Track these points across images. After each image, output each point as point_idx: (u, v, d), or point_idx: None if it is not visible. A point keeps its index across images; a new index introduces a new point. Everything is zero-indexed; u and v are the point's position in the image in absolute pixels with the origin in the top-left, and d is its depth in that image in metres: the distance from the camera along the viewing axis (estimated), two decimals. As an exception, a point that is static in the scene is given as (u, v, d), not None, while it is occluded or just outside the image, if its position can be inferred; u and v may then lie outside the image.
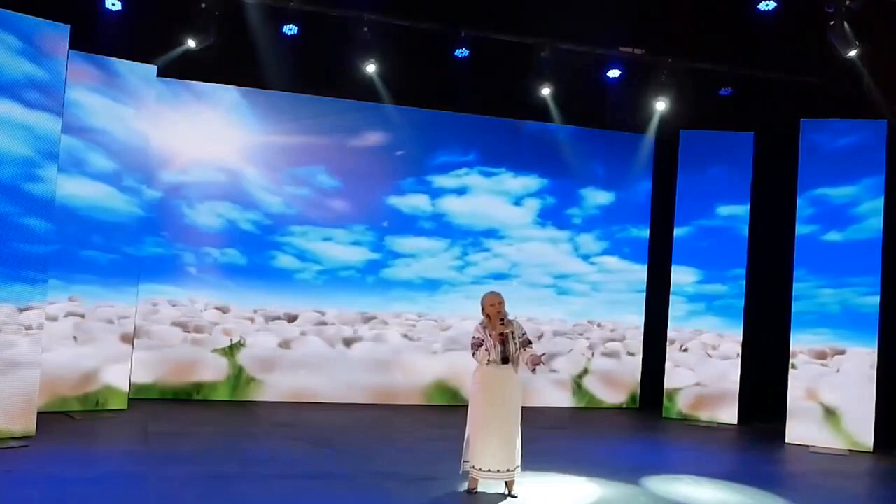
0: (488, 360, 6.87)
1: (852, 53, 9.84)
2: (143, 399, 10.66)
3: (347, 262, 11.75)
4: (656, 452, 10.07)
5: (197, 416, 10.16)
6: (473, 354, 6.94)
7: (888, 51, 10.34)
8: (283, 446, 8.85)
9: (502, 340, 6.88)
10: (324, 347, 11.60)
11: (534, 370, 6.99)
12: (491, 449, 6.86)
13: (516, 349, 6.96)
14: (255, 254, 11.41)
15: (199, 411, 10.44)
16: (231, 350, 11.20)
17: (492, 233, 12.37)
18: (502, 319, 6.89)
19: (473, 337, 6.95)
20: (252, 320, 11.36)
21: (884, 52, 10.27)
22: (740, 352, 11.76)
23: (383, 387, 11.78)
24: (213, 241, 11.26)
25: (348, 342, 11.68)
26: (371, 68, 11.02)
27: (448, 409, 11.40)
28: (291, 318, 11.51)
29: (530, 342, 7.07)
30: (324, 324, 11.64)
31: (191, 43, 10.22)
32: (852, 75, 10.57)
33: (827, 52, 10.19)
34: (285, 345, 11.47)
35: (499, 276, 12.23)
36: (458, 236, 12.24)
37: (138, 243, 10.28)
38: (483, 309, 7.03)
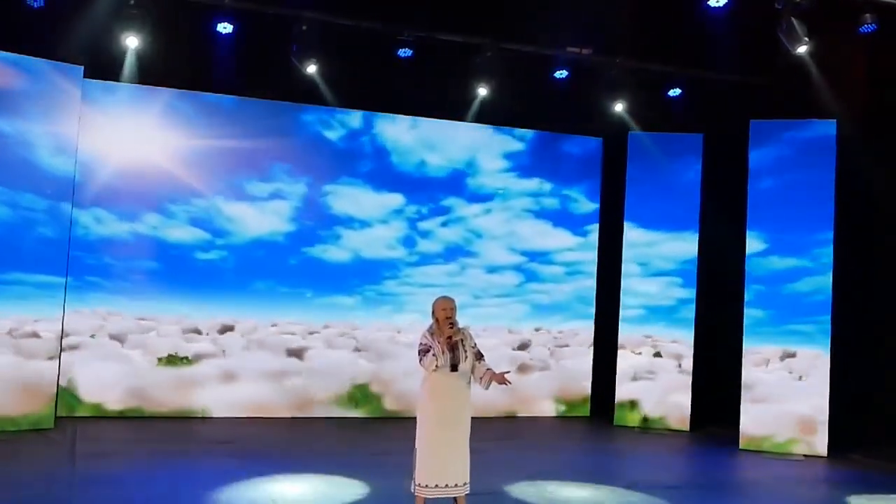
0: (436, 367, 6.48)
1: (801, 50, 9.70)
2: (73, 417, 10.07)
3: (282, 264, 11.30)
4: (610, 461, 9.85)
5: (130, 435, 9.62)
6: (420, 361, 6.53)
7: (837, 47, 10.24)
8: (220, 465, 8.37)
9: (451, 347, 6.50)
10: (268, 359, 11.08)
11: (488, 387, 6.63)
12: (441, 463, 6.46)
13: (466, 357, 6.59)
14: (188, 263, 10.86)
15: (133, 429, 9.90)
16: (169, 362, 10.63)
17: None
18: (452, 325, 6.51)
19: (420, 343, 6.56)
20: (192, 331, 10.82)
21: (833, 48, 10.17)
22: (692, 356, 11.55)
23: (328, 398, 11.32)
24: (144, 249, 10.69)
25: (295, 353, 11.19)
26: (312, 69, 10.62)
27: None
28: (226, 329, 10.98)
29: (482, 356, 6.70)
30: (266, 334, 11.14)
31: (130, 42, 9.75)
32: (802, 74, 10.45)
33: (777, 51, 10.07)
34: (225, 356, 10.94)
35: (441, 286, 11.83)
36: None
37: (63, 252, 9.67)
38: (433, 313, 6.65)
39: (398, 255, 11.79)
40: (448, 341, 6.46)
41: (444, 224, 12.01)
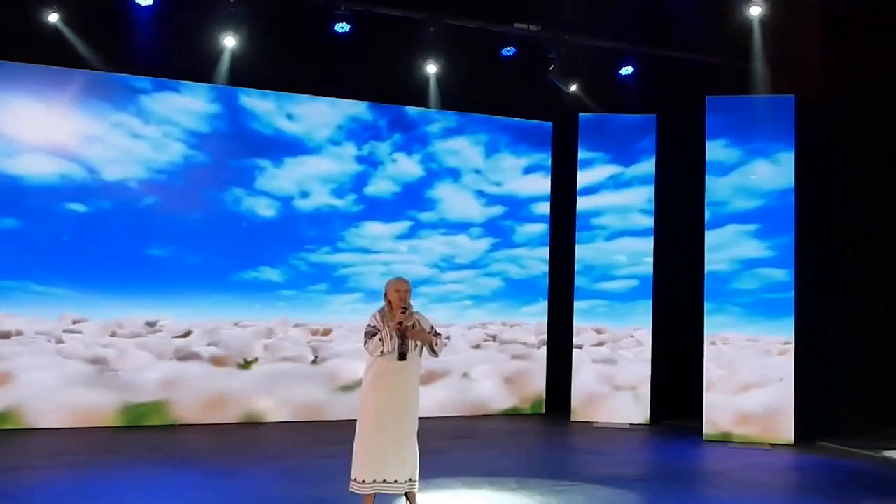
0: (381, 352, 5.83)
1: (754, 12, 9.30)
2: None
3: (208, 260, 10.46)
4: (568, 457, 9.32)
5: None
6: (365, 344, 5.89)
7: (794, 18, 9.88)
8: (146, 474, 7.56)
9: (401, 333, 5.85)
10: (186, 360, 10.20)
11: (435, 352, 6.02)
12: (384, 456, 5.83)
13: (415, 346, 5.95)
14: (108, 255, 9.91)
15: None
16: (93, 366, 9.76)
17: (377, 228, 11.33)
18: (404, 309, 5.87)
19: (368, 325, 5.91)
20: (110, 333, 9.91)
21: (790, 20, 9.81)
22: (650, 348, 11.05)
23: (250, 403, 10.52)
24: (61, 239, 9.72)
25: (216, 358, 10.37)
26: (230, 42, 9.84)
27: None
28: (150, 324, 10.08)
29: (440, 335, 6.08)
30: (182, 334, 10.23)
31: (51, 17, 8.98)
32: (758, 48, 10.09)
33: (734, 24, 9.69)
34: (149, 357, 10.03)
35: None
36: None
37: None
38: (385, 295, 6.01)
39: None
40: (398, 327, 5.83)
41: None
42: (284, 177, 10.69)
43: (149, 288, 10.04)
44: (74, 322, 9.73)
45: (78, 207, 9.76)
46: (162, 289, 10.11)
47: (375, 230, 11.15)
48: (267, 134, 10.62)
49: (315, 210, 10.86)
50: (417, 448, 6.03)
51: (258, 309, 10.52)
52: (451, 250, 11.58)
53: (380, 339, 5.81)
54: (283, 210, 10.68)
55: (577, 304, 11.26)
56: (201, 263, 10.28)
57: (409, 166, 11.32)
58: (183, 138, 10.22)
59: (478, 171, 11.70)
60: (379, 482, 5.80)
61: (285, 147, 10.71)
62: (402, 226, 11.31)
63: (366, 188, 11.09)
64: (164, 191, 10.13)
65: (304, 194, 10.80)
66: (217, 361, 10.28)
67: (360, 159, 11.07)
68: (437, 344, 6.04)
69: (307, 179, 10.81)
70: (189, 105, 10.27)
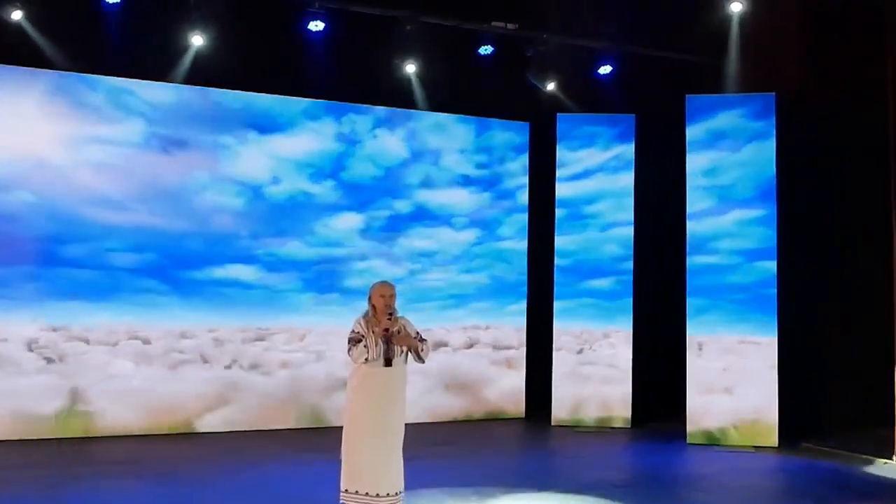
0: (366, 359, 5.61)
1: (735, 8, 9.21)
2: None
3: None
4: (554, 463, 9.15)
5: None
6: (349, 351, 5.68)
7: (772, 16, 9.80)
8: (121, 487, 7.27)
9: (387, 338, 5.63)
10: (161, 368, 9.91)
11: (421, 358, 5.80)
12: (375, 467, 5.60)
13: (401, 352, 5.74)
14: (77, 261, 9.60)
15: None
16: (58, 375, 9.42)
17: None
18: (390, 314, 5.65)
19: (352, 331, 5.69)
20: (80, 340, 9.56)
21: (768, 17, 9.73)
22: (631, 349, 10.91)
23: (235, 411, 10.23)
24: (27, 248, 9.38)
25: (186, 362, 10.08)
26: (197, 41, 9.56)
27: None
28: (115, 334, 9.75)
29: (425, 340, 5.87)
30: (149, 342, 9.91)
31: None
32: (736, 46, 10.02)
33: (712, 22, 9.59)
34: (118, 366, 9.70)
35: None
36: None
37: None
38: (369, 299, 5.79)
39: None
40: (384, 333, 5.62)
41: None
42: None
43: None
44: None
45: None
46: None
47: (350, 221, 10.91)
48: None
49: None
50: (402, 458, 5.82)
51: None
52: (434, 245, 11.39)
53: (364, 346, 5.60)
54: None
55: (556, 305, 11.09)
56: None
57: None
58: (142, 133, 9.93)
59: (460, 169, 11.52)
60: (372, 496, 5.56)
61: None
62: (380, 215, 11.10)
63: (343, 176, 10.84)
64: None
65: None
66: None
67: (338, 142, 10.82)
68: (422, 350, 5.84)
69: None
70: (154, 102, 9.97)
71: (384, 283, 5.84)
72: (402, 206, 11.20)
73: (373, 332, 5.62)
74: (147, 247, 9.88)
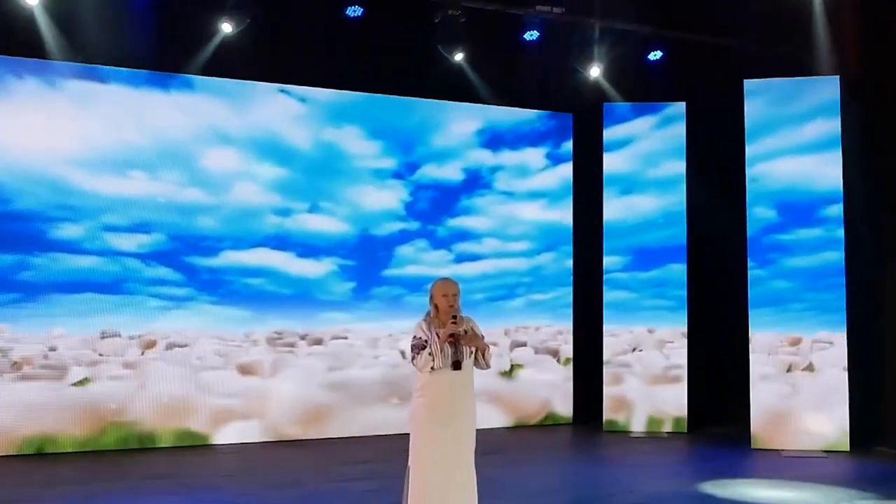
0: (432, 368, 5.11)
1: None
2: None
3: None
4: (621, 472, 8.52)
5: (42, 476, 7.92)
6: (413, 360, 5.17)
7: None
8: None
9: (453, 342, 5.12)
10: (193, 375, 9.40)
11: (486, 363, 5.30)
12: (442, 488, 5.09)
13: (470, 354, 5.22)
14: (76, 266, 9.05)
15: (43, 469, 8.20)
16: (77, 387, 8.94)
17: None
18: (455, 316, 5.14)
19: (415, 337, 5.18)
20: (94, 349, 9.03)
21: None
22: (686, 348, 10.35)
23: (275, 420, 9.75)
24: (30, 251, 8.86)
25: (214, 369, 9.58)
26: (227, 29, 9.12)
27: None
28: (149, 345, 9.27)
29: (488, 345, 5.35)
30: (175, 346, 9.38)
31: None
32: (795, 33, 9.45)
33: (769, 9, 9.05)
34: (142, 376, 9.18)
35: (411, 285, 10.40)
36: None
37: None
38: (431, 298, 5.29)
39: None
40: (450, 339, 5.12)
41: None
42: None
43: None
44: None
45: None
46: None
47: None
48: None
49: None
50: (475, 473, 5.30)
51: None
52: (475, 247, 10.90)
53: (430, 354, 5.09)
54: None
55: (605, 303, 10.57)
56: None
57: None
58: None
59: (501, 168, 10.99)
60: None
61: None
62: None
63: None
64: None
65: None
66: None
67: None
68: (488, 353, 5.33)
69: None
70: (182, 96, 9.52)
71: (446, 281, 5.34)
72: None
73: (437, 335, 5.13)
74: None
